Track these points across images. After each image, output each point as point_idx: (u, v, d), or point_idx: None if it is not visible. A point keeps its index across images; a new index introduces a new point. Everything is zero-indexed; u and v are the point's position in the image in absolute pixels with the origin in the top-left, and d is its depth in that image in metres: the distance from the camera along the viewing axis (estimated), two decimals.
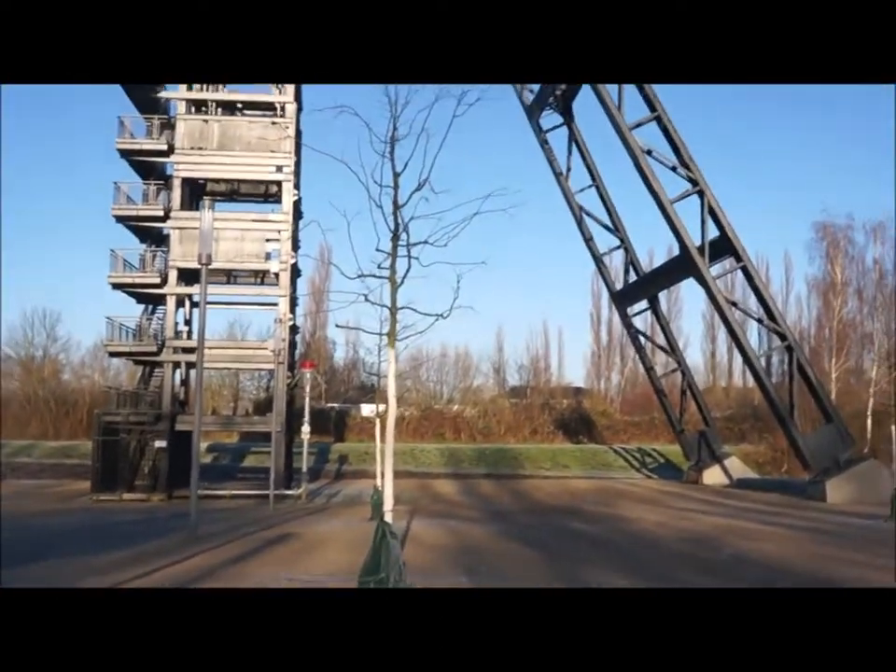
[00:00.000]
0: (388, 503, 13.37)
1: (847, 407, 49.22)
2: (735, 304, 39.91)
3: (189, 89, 39.40)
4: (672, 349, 49.15)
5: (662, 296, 50.17)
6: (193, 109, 39.66)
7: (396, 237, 15.04)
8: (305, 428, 36.01)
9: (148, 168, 39.75)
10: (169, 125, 39.34)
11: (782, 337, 38.12)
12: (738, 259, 36.75)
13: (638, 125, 31.85)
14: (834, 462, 35.68)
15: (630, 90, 23.61)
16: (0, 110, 58.17)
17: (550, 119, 46.00)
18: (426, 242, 15.30)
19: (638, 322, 50.67)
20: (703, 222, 36.14)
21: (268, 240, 38.97)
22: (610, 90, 23.44)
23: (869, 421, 52.00)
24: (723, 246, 36.53)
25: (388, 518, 12.71)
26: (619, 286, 49.13)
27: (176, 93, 39.35)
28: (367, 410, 61.47)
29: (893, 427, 29.96)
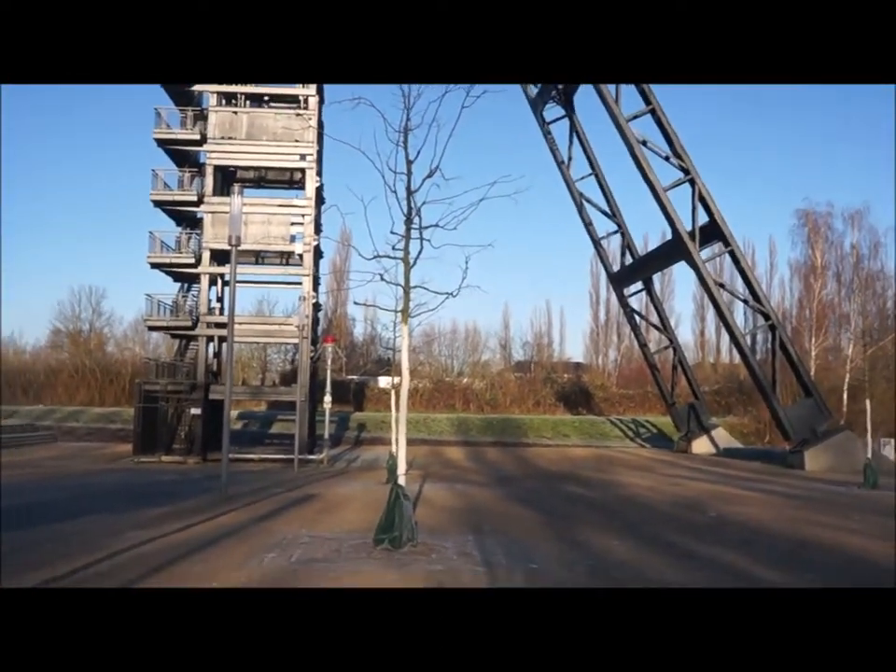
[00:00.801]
0: (402, 468, 13.32)
1: (826, 382, 49.00)
2: (722, 286, 39.62)
3: (220, 82, 39.20)
4: (665, 327, 48.93)
5: (656, 278, 49.79)
6: (224, 101, 39.44)
7: (409, 221, 14.92)
8: (327, 399, 36.00)
9: (183, 156, 39.67)
10: (202, 116, 39.21)
11: (766, 317, 37.85)
12: (726, 243, 36.45)
13: (634, 117, 31.57)
14: (813, 433, 35.56)
15: (627, 85, 23.31)
16: (0, 110, 57.49)
17: (552, 111, 45.83)
18: (437, 225, 15.18)
19: (634, 302, 50.37)
20: (694, 209, 35.87)
21: (293, 223, 38.87)
22: (609, 85, 23.12)
23: (845, 395, 51.76)
24: (713, 232, 36.25)
25: (402, 481, 12.66)
26: (616, 268, 48.88)
27: (208, 86, 39.17)
28: (383, 382, 61.54)
29: (867, 401, 29.78)
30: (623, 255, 47.81)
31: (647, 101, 33.11)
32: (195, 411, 37.67)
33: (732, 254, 37.29)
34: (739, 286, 44.58)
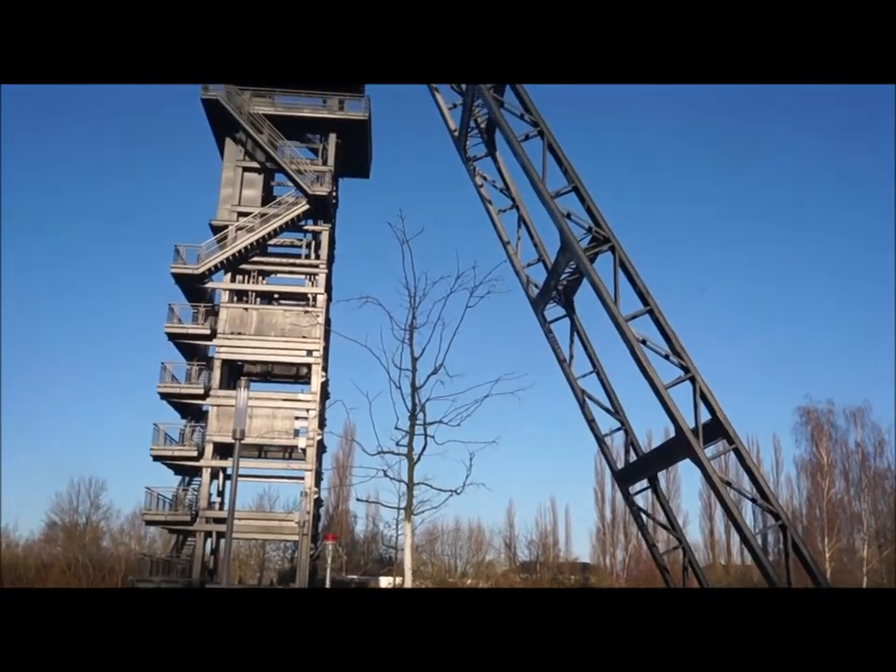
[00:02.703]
0: None
1: (843, 585, 47.29)
2: (729, 484, 38.91)
3: (233, 280, 40.66)
4: (673, 527, 47.59)
5: (661, 476, 49.21)
6: (235, 298, 40.78)
7: (413, 417, 15.07)
8: None
9: (192, 350, 40.52)
10: (213, 312, 40.39)
11: (776, 516, 36.88)
12: (730, 441, 36.07)
13: (633, 317, 32.36)
14: None
15: (625, 286, 24.12)
16: (0, 110, 58.55)
17: (553, 311, 47.03)
18: (441, 421, 15.33)
19: (640, 500, 49.38)
20: (695, 406, 35.90)
21: (297, 418, 39.07)
22: (607, 284, 23.94)
23: None
24: (716, 430, 36.01)
25: None
26: (620, 465, 48.29)
27: (221, 284, 40.62)
28: (385, 582, 59.42)
29: None
30: (627, 452, 47.30)
31: (645, 302, 34.22)
32: None
33: (736, 452, 36.82)
34: (746, 484, 43.82)
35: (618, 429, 47.72)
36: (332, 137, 42.07)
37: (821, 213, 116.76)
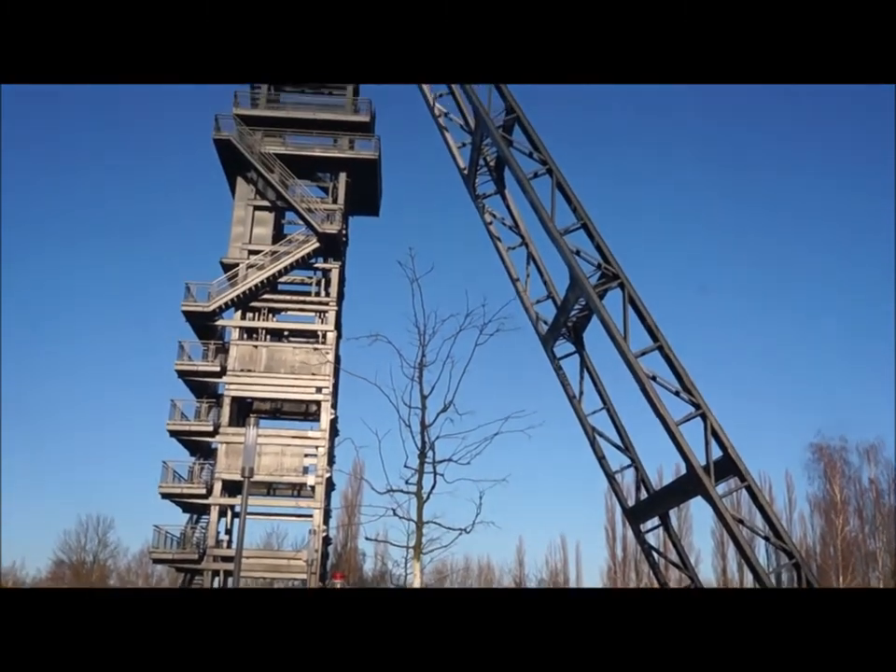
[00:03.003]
0: None
1: None
2: (742, 522, 38.51)
3: (244, 317, 40.79)
4: (685, 565, 47.01)
5: (672, 513, 48.78)
6: (245, 335, 40.88)
7: (423, 455, 15.00)
8: None
9: (202, 387, 40.54)
10: (223, 349, 40.48)
11: (789, 555, 36.41)
12: (742, 478, 35.78)
13: (643, 353, 32.32)
14: None
15: (634, 322, 24.08)
16: (0, 110, 58.53)
17: (563, 347, 46.99)
18: (450, 460, 15.26)
19: (651, 538, 48.98)
20: (707, 443, 35.67)
21: (306, 455, 38.97)
22: (617, 321, 23.98)
23: None
24: (727, 466, 35.71)
25: None
26: (631, 503, 47.87)
27: (232, 321, 40.76)
28: None
29: None
30: (637, 489, 46.90)
31: (654, 338, 34.18)
32: None
33: (749, 489, 36.47)
34: (759, 522, 43.43)
35: (628, 466, 47.15)
36: (342, 176, 42.43)
37: (833, 238, 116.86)
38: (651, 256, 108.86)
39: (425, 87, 30.84)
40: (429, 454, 15.40)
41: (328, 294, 41.76)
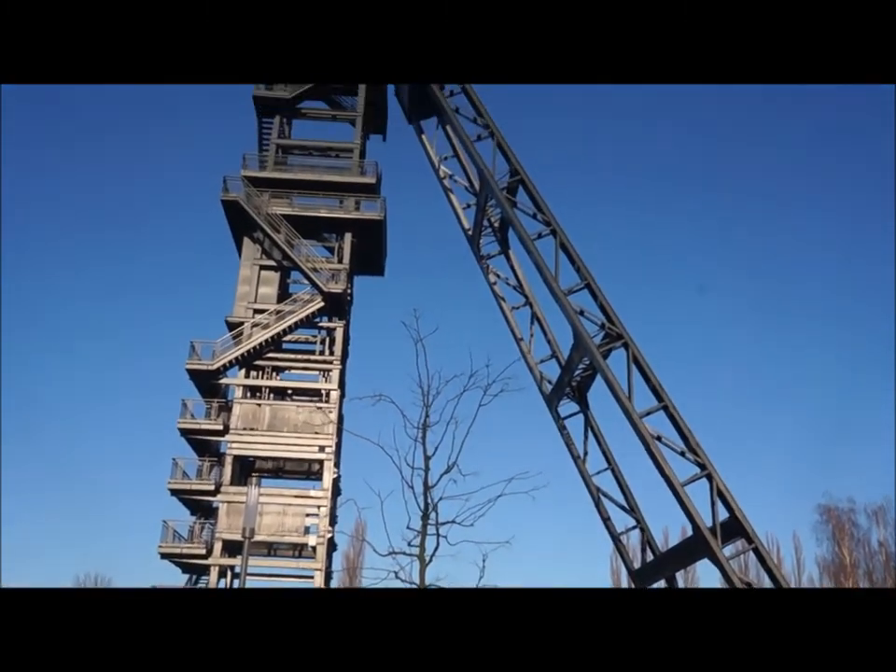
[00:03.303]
0: None
1: None
2: (750, 585, 37.88)
3: (247, 376, 40.78)
4: None
5: (679, 575, 48.02)
6: (249, 394, 40.81)
7: (426, 516, 14.84)
8: None
9: (204, 446, 40.34)
10: (226, 407, 40.37)
11: None
12: (749, 540, 35.28)
13: (648, 413, 32.22)
14: None
15: (639, 382, 24.05)
16: (0, 110, 58.30)
17: (567, 407, 46.83)
18: (453, 521, 15.07)
19: None
20: (713, 504, 35.29)
21: (308, 515, 38.53)
22: (621, 380, 23.92)
23: None
24: (734, 528, 35.24)
25: None
26: (637, 564, 47.11)
27: (235, 380, 40.73)
28: None
29: None
30: (643, 551, 46.19)
31: (659, 398, 34.12)
32: None
33: (756, 551, 35.95)
34: (767, 585, 42.66)
35: (634, 527, 46.57)
36: (348, 236, 42.84)
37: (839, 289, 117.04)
38: (653, 314, 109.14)
39: (430, 150, 31.25)
40: (432, 515, 15.22)
41: (332, 353, 41.80)
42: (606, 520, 46.12)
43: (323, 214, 42.95)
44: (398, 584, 14.46)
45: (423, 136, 34.33)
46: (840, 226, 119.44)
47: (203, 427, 39.57)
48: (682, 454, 24.70)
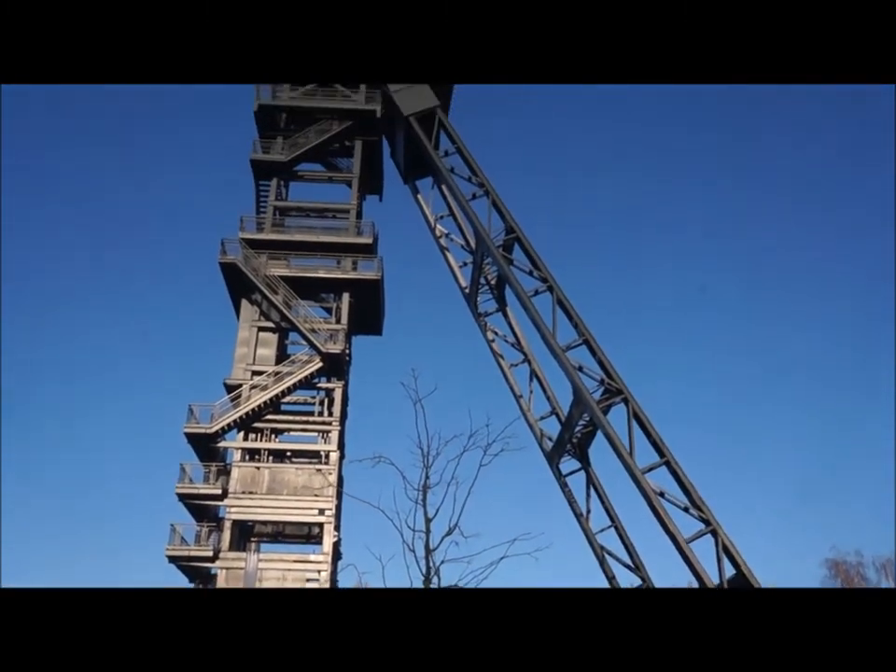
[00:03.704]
0: None
1: None
2: None
3: (246, 438, 40.42)
4: None
5: None
6: (247, 456, 40.43)
7: (427, 580, 14.51)
8: None
9: (202, 510, 39.79)
10: (224, 471, 39.93)
11: None
12: None
13: (650, 469, 31.93)
14: None
15: (640, 439, 23.79)
16: (0, 110, 57.77)
17: (568, 464, 46.43)
18: (456, 585, 14.72)
19: None
20: (718, 560, 34.82)
21: (308, 580, 37.82)
22: (622, 436, 23.72)
23: None
24: (741, 584, 34.76)
25: None
26: None
27: (234, 443, 40.37)
28: None
29: None
30: None
31: (661, 453, 33.86)
32: None
33: None
34: None
35: (639, 586, 45.79)
36: (346, 296, 42.93)
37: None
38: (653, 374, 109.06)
39: (426, 209, 31.54)
40: (434, 579, 14.87)
41: (331, 414, 41.56)
42: (611, 579, 45.44)
43: (321, 274, 43.11)
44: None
45: (419, 196, 34.59)
46: (841, 233, 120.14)
47: (202, 491, 39.07)
48: (686, 509, 24.35)
